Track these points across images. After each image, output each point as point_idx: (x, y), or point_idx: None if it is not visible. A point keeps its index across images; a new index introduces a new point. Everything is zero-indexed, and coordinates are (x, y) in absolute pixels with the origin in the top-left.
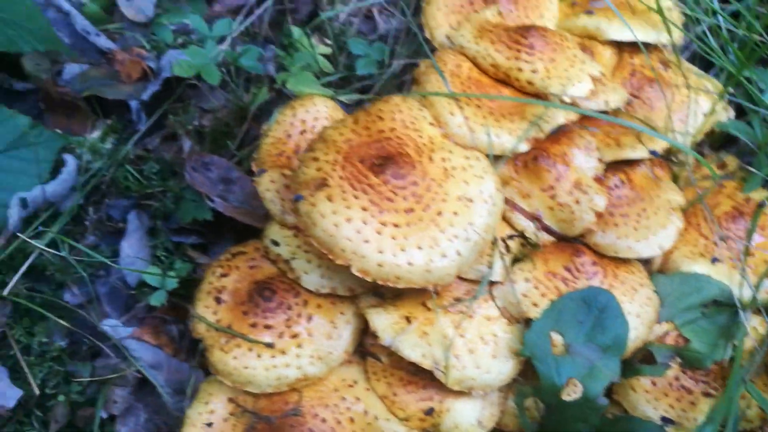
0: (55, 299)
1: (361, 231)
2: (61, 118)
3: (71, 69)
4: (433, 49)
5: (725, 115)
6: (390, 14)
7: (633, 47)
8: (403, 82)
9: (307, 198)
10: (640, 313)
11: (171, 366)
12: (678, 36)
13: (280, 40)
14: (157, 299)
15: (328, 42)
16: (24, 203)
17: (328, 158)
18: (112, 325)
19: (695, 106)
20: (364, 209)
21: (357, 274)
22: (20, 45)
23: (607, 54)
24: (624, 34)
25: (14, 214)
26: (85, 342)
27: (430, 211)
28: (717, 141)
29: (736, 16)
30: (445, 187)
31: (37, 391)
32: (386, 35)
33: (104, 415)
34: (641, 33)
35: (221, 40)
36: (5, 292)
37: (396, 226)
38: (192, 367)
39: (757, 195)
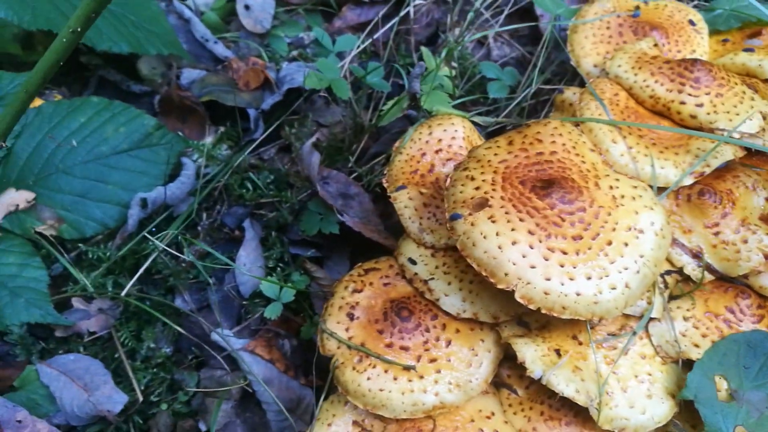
0: (165, 304)
1: (527, 255)
2: (176, 122)
3: (189, 74)
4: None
5: None
6: (504, 42)
7: None
8: (533, 110)
9: (467, 217)
10: None
11: (282, 383)
12: None
13: (398, 60)
14: (272, 311)
15: (454, 65)
16: (144, 203)
17: (485, 177)
18: (225, 336)
19: None
20: (531, 233)
21: (520, 300)
22: (147, 47)
23: None
24: None
25: (134, 214)
26: (192, 351)
27: (600, 240)
28: None
29: None
30: (614, 215)
31: (140, 398)
32: (500, 63)
33: (203, 428)
34: None
35: (340, 56)
36: (122, 294)
37: (564, 252)
38: (301, 385)
39: None
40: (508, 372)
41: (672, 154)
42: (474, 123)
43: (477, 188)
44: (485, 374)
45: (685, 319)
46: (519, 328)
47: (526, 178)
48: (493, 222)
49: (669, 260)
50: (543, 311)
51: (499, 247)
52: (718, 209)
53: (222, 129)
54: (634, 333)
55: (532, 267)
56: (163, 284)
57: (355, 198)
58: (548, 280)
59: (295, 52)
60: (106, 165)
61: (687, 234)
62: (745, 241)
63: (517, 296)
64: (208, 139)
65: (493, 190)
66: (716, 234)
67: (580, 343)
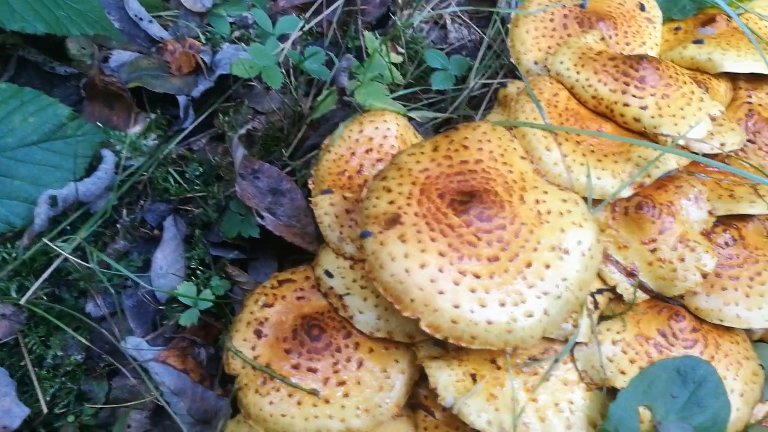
0: (76, 309)
1: (435, 280)
2: (103, 108)
3: (119, 56)
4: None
5: None
6: (463, 23)
7: (750, 81)
8: (480, 101)
9: (377, 235)
10: (744, 391)
11: (196, 394)
12: None
13: (345, 43)
14: (187, 319)
15: (401, 50)
16: (53, 201)
17: (402, 189)
18: (135, 345)
19: None
20: (442, 254)
21: (426, 329)
22: (68, 27)
23: (722, 89)
24: (743, 65)
25: (41, 212)
26: (103, 359)
27: (518, 261)
28: None
29: None
30: (537, 233)
31: (45, 409)
32: (457, 46)
33: None
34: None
35: (283, 38)
36: (23, 300)
37: (477, 276)
38: (218, 396)
39: None
40: (426, 392)
41: (611, 163)
42: (414, 120)
43: (391, 202)
44: (397, 398)
45: (614, 342)
46: (435, 349)
47: (446, 191)
48: (403, 242)
49: (602, 278)
50: (451, 341)
51: (407, 271)
52: (656, 224)
53: (153, 116)
54: (556, 360)
55: (441, 293)
56: (76, 287)
57: (286, 194)
58: (457, 307)
59: (237, 33)
60: (13, 158)
61: (622, 250)
62: (682, 259)
63: (423, 325)
64: (137, 128)
65: (408, 204)
66: (653, 251)
67: (499, 368)
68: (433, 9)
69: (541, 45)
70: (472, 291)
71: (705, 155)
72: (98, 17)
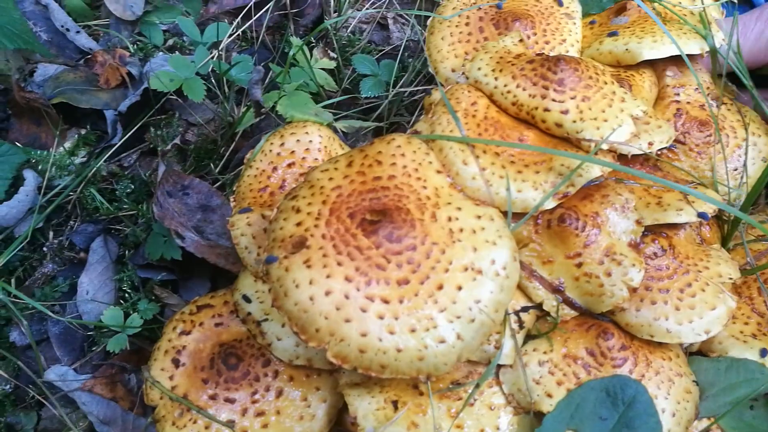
0: (0, 339)
1: (341, 307)
2: (29, 125)
3: (44, 70)
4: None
5: None
6: (405, 23)
7: (675, 80)
8: (420, 106)
9: (282, 261)
10: (676, 411)
11: (126, 422)
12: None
13: (281, 48)
14: (115, 345)
15: (333, 55)
16: None
17: (311, 209)
18: (60, 374)
19: (753, 151)
20: (348, 279)
21: (333, 360)
22: None
23: (647, 85)
24: (661, 50)
25: None
26: (31, 389)
27: (429, 284)
28: None
29: None
30: (448, 253)
31: None
32: (400, 46)
33: None
34: (682, 46)
35: (214, 45)
36: None
37: (385, 301)
38: (150, 424)
39: None
40: (352, 419)
41: (532, 174)
42: (340, 130)
43: (299, 223)
44: (318, 427)
45: (541, 363)
46: (357, 375)
47: (357, 209)
48: (309, 267)
49: (527, 295)
50: (360, 371)
51: (311, 299)
52: (581, 237)
53: (82, 132)
54: (477, 385)
55: (347, 321)
56: (0, 314)
57: (216, 211)
58: (364, 335)
59: (171, 41)
60: None
61: (547, 265)
62: (609, 274)
63: (329, 356)
64: (66, 145)
65: (316, 226)
66: (579, 265)
67: (421, 394)
68: (369, 9)
69: (457, 51)
70: (381, 317)
71: (633, 156)
72: (20, 30)
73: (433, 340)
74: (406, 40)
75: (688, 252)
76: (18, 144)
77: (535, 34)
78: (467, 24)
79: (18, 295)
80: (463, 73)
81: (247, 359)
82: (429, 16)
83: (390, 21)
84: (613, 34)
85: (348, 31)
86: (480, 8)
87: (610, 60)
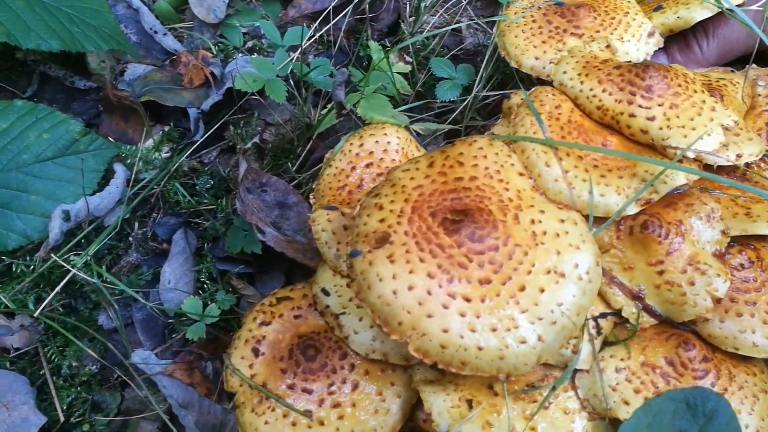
0: (90, 321)
1: (424, 303)
2: (119, 121)
3: (134, 70)
4: (523, 78)
5: None
6: (478, 28)
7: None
8: (493, 110)
9: (366, 255)
10: (760, 428)
11: (203, 407)
12: None
13: (356, 51)
14: (194, 332)
15: (408, 59)
16: (66, 216)
17: (394, 207)
18: (144, 358)
19: None
20: (431, 276)
21: (414, 354)
22: (83, 44)
23: (739, 96)
24: (709, 10)
25: (55, 227)
26: (116, 371)
27: (511, 285)
28: None
29: None
30: (531, 255)
31: (62, 418)
32: (473, 51)
33: None
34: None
35: (295, 48)
36: (37, 313)
37: (467, 300)
38: (225, 410)
39: None
40: (424, 416)
41: (615, 179)
42: (416, 133)
43: (382, 220)
44: (393, 422)
45: (618, 370)
46: (432, 372)
47: (439, 209)
48: (392, 262)
49: (606, 301)
50: (440, 366)
51: (394, 293)
52: (664, 244)
53: (166, 128)
54: (554, 388)
55: (429, 316)
56: (90, 298)
57: (293, 208)
58: (446, 331)
59: (250, 43)
60: (29, 174)
61: (627, 272)
62: (692, 283)
63: (411, 349)
64: (149, 141)
65: (399, 223)
66: (660, 273)
67: (496, 394)
68: (446, 14)
69: (535, 42)
70: (462, 315)
71: (720, 168)
72: (113, 32)
73: (514, 340)
74: (479, 45)
75: None
76: (108, 137)
77: (599, 15)
78: (534, 21)
79: (111, 279)
80: (551, 62)
81: (324, 351)
82: (498, 22)
83: (463, 26)
84: (658, 8)
85: (423, 35)
86: (540, 8)
87: (664, 31)
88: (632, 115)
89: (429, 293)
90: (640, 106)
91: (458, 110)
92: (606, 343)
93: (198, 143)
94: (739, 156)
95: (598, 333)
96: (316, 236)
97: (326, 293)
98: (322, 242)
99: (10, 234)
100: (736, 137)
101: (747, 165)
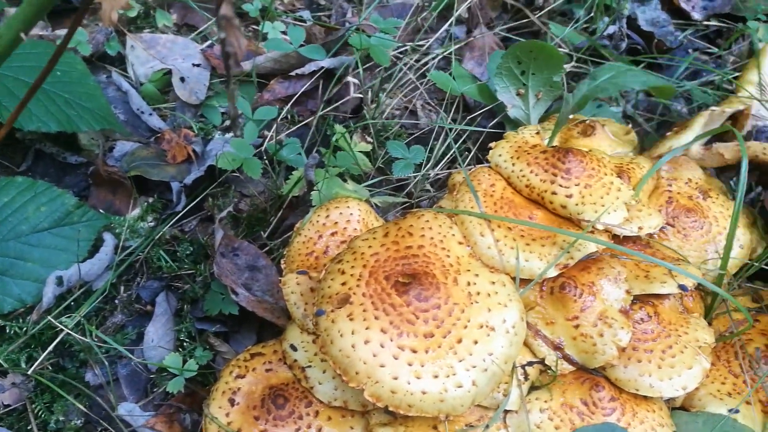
0: (77, 378)
1: (377, 354)
2: (107, 193)
3: (122, 147)
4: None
5: (763, 244)
6: (432, 109)
7: (669, 174)
8: (443, 183)
9: (329, 314)
10: None
11: None
12: None
13: (324, 130)
14: (174, 386)
15: (369, 140)
16: (59, 281)
17: (354, 272)
18: (129, 410)
19: (733, 238)
20: (383, 331)
21: (369, 398)
22: (79, 125)
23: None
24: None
25: (49, 291)
26: (101, 424)
27: (450, 338)
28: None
29: None
30: (467, 312)
31: None
32: (426, 130)
33: None
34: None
35: (267, 126)
36: (30, 371)
37: (414, 351)
38: None
39: None
40: None
41: (538, 246)
42: (375, 205)
43: (344, 283)
44: None
45: (542, 410)
46: (385, 416)
47: (392, 273)
48: (351, 320)
49: (532, 351)
50: (390, 409)
51: (353, 346)
52: (578, 302)
53: (150, 200)
54: (487, 426)
55: (382, 366)
56: (77, 358)
57: (262, 270)
58: (396, 378)
59: (228, 122)
60: (27, 243)
61: (549, 326)
62: (602, 335)
63: (366, 395)
64: (135, 212)
65: (358, 285)
66: (576, 327)
67: None
68: (404, 97)
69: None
70: (410, 364)
71: (626, 237)
72: (105, 113)
73: (452, 385)
74: (432, 124)
75: (671, 319)
76: (96, 208)
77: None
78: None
79: (104, 338)
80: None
81: (292, 400)
82: (451, 102)
83: (419, 107)
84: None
85: (383, 116)
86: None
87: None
88: (554, 193)
89: (382, 346)
90: (561, 186)
91: (412, 184)
92: (532, 387)
93: (180, 214)
94: (640, 228)
95: (526, 378)
96: (286, 298)
97: (294, 349)
98: (291, 303)
99: (6, 298)
100: (639, 212)
101: (649, 235)
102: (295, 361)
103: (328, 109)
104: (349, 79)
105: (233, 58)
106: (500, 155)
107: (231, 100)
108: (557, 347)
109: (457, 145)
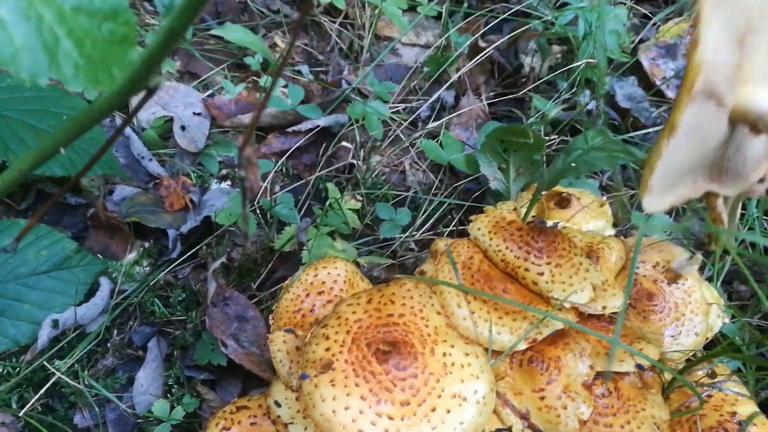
0: (65, 420)
1: (356, 420)
2: (104, 236)
3: (121, 191)
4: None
5: (719, 322)
6: (419, 168)
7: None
8: (426, 243)
9: (312, 379)
10: None
11: None
12: None
13: (317, 184)
14: None
15: (359, 198)
16: (55, 323)
17: (338, 337)
18: None
19: (690, 324)
20: (363, 398)
21: None
22: (81, 169)
23: (613, 258)
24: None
25: (44, 334)
26: None
27: (425, 406)
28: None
29: None
30: (442, 382)
31: None
32: (414, 188)
33: None
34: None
35: (262, 177)
36: (21, 413)
37: (390, 418)
38: None
39: (744, 409)
40: None
41: (510, 320)
42: (362, 265)
43: (327, 349)
44: None
45: None
46: None
47: (373, 340)
48: (333, 385)
49: (500, 419)
50: None
51: (333, 411)
52: (544, 376)
53: (146, 245)
54: None
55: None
56: (67, 399)
57: (250, 321)
58: None
59: (224, 171)
60: (25, 285)
61: (517, 396)
62: (565, 407)
63: None
64: (131, 256)
65: (341, 352)
66: (542, 398)
67: None
68: (396, 156)
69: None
70: (386, 431)
71: (591, 315)
72: (108, 159)
73: None
74: (422, 184)
75: (630, 394)
76: (93, 250)
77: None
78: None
79: (92, 384)
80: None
81: None
82: (439, 165)
83: (407, 166)
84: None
85: (374, 174)
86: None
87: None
88: (527, 270)
89: (361, 412)
90: (533, 263)
91: (397, 244)
92: None
93: (174, 262)
94: (604, 307)
95: None
96: (273, 355)
97: (278, 405)
98: (278, 361)
99: (1, 338)
100: (604, 292)
101: (613, 313)
102: (279, 417)
103: (322, 162)
104: (343, 143)
105: (249, 190)
106: (479, 229)
107: (244, 219)
108: (524, 416)
109: (442, 209)
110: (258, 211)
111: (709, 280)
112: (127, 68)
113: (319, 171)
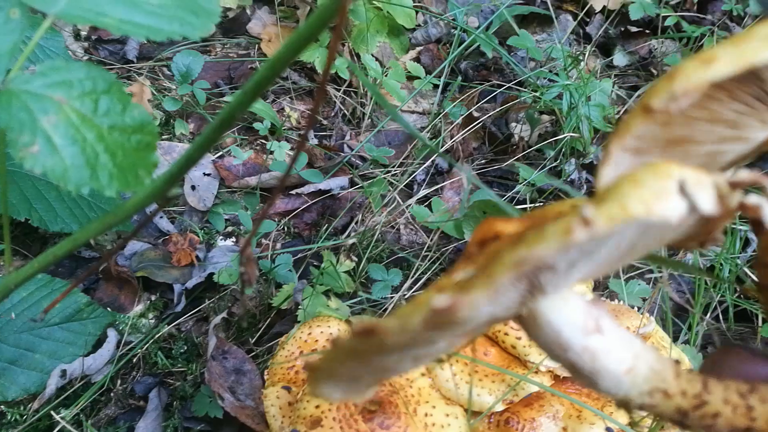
0: None
1: None
2: (114, 289)
3: (132, 246)
4: None
5: None
6: (413, 228)
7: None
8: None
9: None
10: None
11: None
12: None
13: (317, 241)
14: None
15: (354, 258)
16: (63, 374)
17: None
18: None
19: None
20: None
21: None
22: (98, 227)
23: None
24: None
25: (53, 383)
26: None
27: None
28: None
29: None
30: None
31: None
32: (408, 247)
33: None
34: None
35: (265, 235)
36: None
37: None
38: None
39: None
40: None
41: (489, 382)
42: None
43: (317, 406)
44: None
45: None
46: None
47: None
48: None
49: None
50: None
51: None
52: None
53: (153, 298)
54: None
55: None
56: None
57: (247, 374)
58: None
59: (230, 228)
60: (38, 336)
61: None
62: None
63: None
64: (138, 308)
65: (329, 409)
66: None
67: None
68: (394, 217)
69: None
70: None
71: (565, 378)
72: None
73: None
74: (416, 243)
75: None
76: (102, 302)
77: None
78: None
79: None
80: None
81: None
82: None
83: (401, 226)
84: None
85: (369, 235)
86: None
87: None
88: (506, 334)
89: None
90: (512, 328)
91: (389, 302)
92: None
93: (180, 316)
94: None
95: None
96: (266, 410)
97: None
98: (271, 415)
99: (11, 386)
100: None
101: None
102: None
103: (323, 224)
104: (343, 203)
105: (247, 282)
106: None
107: (243, 305)
108: None
109: (432, 270)
110: (259, 269)
111: (685, 344)
112: (151, 174)
113: (318, 232)
